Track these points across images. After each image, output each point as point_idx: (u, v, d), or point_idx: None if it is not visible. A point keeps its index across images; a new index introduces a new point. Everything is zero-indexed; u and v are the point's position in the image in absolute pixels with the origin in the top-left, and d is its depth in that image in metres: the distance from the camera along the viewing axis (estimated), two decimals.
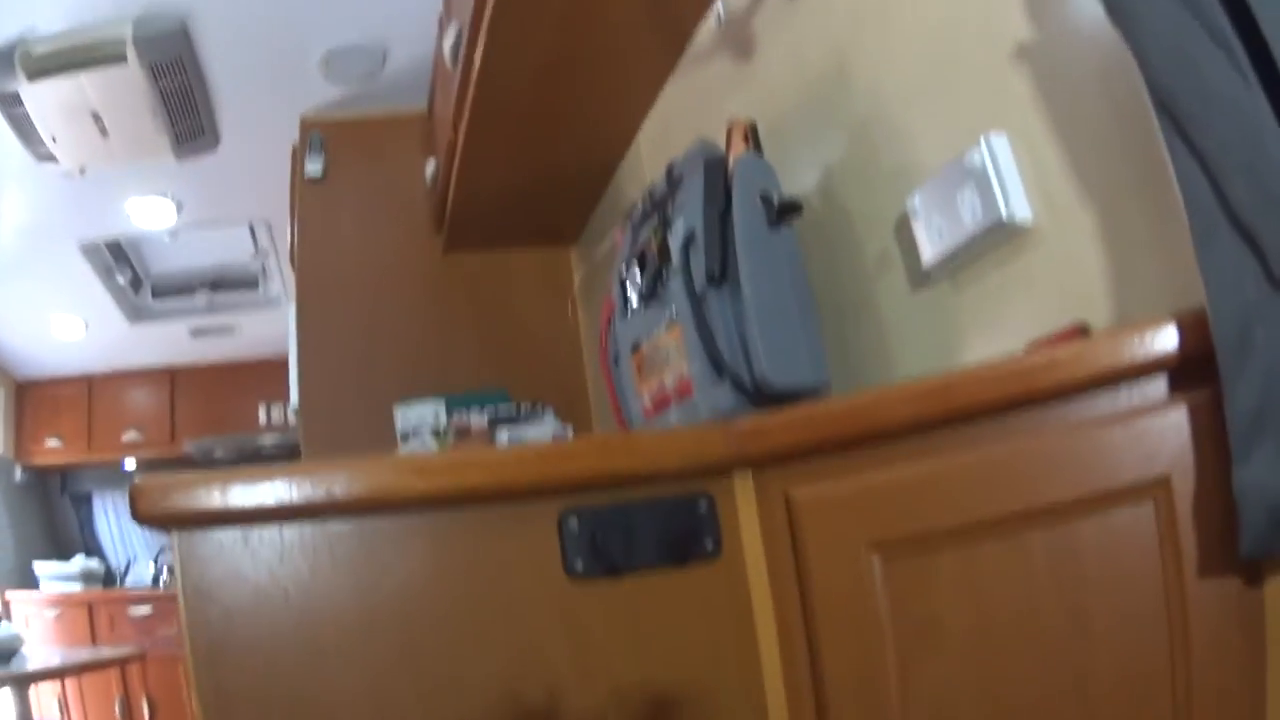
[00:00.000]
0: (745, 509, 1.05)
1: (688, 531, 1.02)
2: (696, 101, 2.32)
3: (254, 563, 0.89)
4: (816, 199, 1.74)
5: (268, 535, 0.90)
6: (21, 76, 3.17)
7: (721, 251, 1.45)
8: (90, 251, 4.89)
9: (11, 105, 3.38)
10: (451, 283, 3.40)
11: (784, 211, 1.47)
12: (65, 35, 3.17)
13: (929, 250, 1.41)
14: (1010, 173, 1.27)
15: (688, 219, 1.53)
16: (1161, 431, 0.88)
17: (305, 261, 3.33)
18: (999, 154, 1.28)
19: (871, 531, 0.96)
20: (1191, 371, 0.87)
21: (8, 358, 6.25)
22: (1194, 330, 0.85)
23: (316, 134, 3.48)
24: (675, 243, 1.53)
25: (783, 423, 1.02)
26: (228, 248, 5.35)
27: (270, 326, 5.88)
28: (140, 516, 0.87)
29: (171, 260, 5.61)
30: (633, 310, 1.67)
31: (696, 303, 1.45)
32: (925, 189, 1.41)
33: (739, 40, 2.05)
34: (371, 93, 3.63)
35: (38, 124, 3.49)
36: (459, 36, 2.39)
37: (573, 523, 0.99)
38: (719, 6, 2.11)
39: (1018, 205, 1.26)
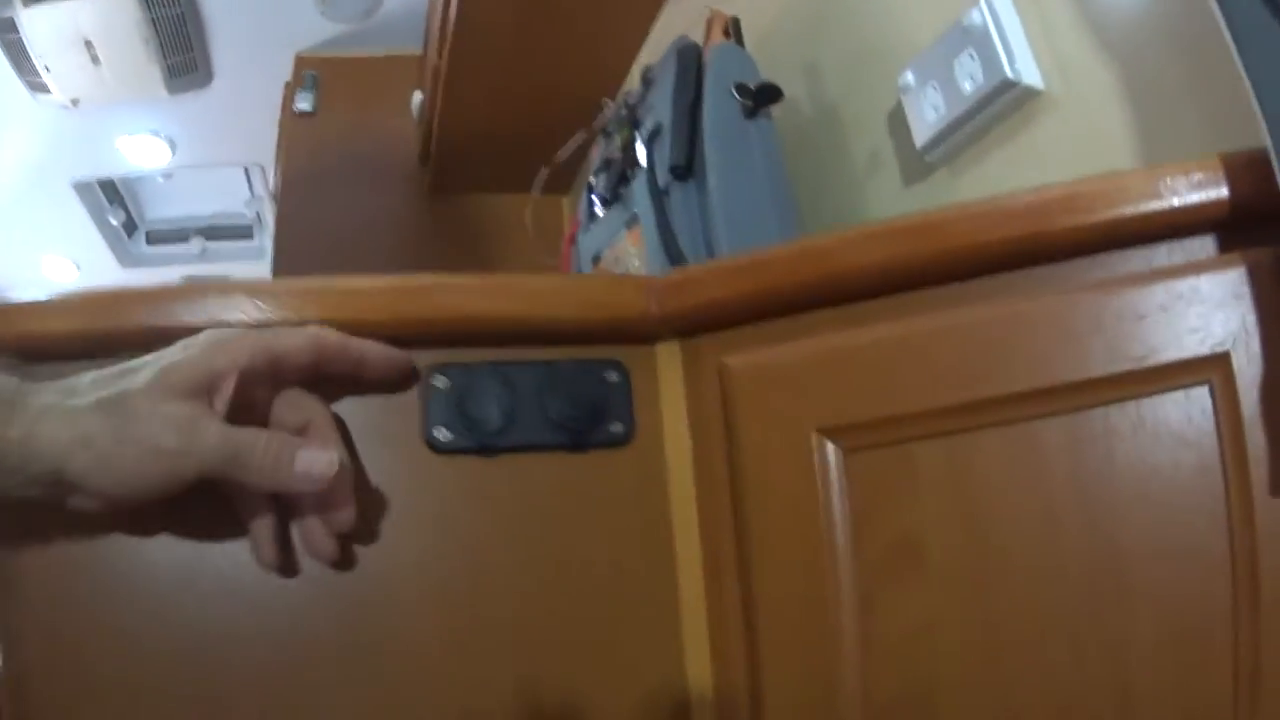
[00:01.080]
0: (668, 384, 0.84)
1: (591, 408, 0.79)
2: (694, 26, 2.16)
3: None
4: (805, 105, 1.58)
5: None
6: (17, 1, 3.08)
7: (689, 143, 1.29)
8: (84, 190, 4.80)
9: (6, 31, 3.30)
10: (437, 227, 3.24)
11: (760, 98, 1.31)
12: None
13: (923, 129, 1.24)
14: (1015, 30, 1.11)
15: (656, 114, 1.37)
16: (1218, 296, 0.66)
17: (287, 197, 3.20)
18: (1001, 11, 1.12)
19: (827, 412, 0.74)
20: (1247, 228, 0.68)
21: None
22: (1247, 174, 0.66)
23: (311, 73, 3.36)
24: (642, 139, 1.38)
25: (717, 272, 0.81)
26: (223, 195, 5.25)
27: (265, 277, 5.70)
28: None
29: (166, 206, 5.51)
30: (595, 220, 1.52)
31: (658, 198, 1.29)
32: (919, 60, 1.25)
33: None
34: (368, 31, 3.50)
35: (31, 51, 3.41)
36: None
37: (439, 382, 0.78)
38: None
39: (1025, 66, 1.10)
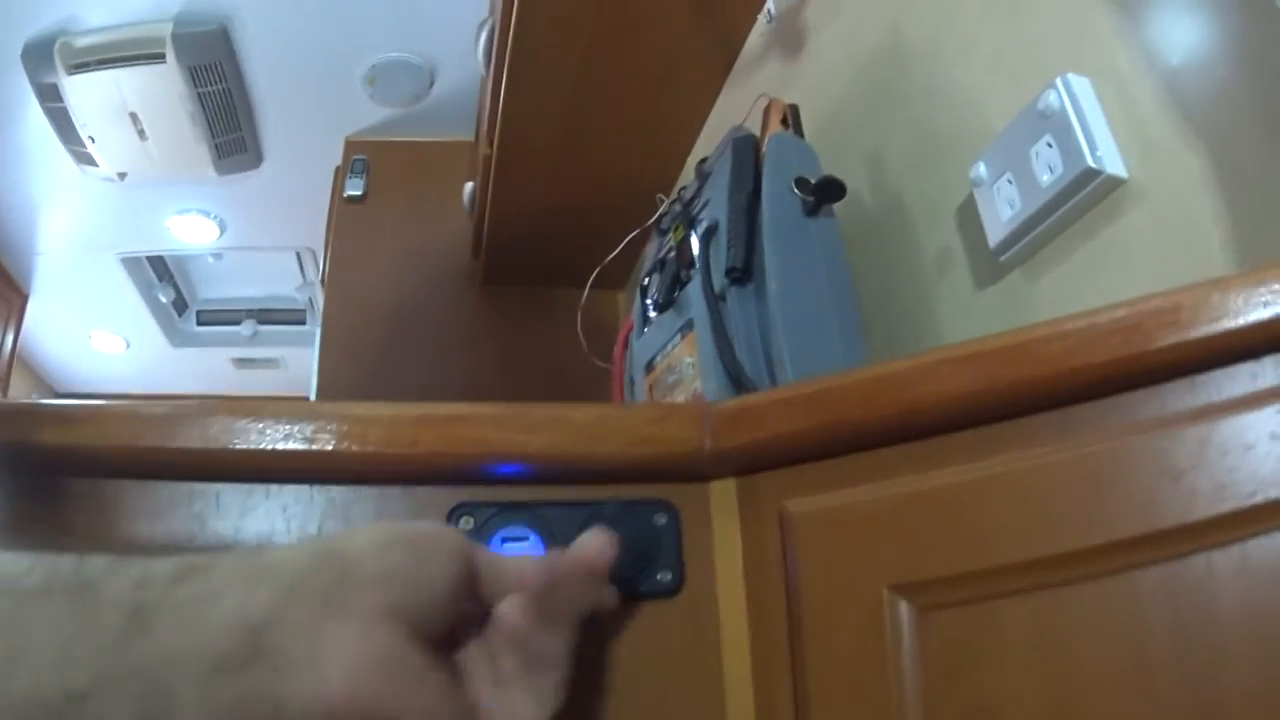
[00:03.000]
0: (722, 528, 0.74)
1: (636, 554, 0.69)
2: (751, 113, 2.10)
3: None
4: (868, 197, 1.49)
5: None
6: (60, 69, 3.09)
7: (747, 243, 1.20)
8: (132, 266, 4.82)
9: (50, 98, 3.32)
10: (487, 319, 3.16)
11: (822, 194, 1.22)
12: (106, 30, 3.10)
13: (997, 227, 1.14)
14: (1096, 116, 1.01)
15: (712, 211, 1.29)
16: None
17: (335, 283, 3.16)
18: (1079, 93, 1.03)
19: (901, 566, 0.64)
20: None
21: (49, 370, 6.13)
22: None
23: (361, 158, 3.33)
24: (697, 238, 1.30)
25: (780, 403, 0.71)
26: (276, 278, 5.26)
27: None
28: None
29: (218, 287, 5.53)
30: (650, 323, 1.43)
31: (714, 304, 1.20)
32: (992, 150, 1.15)
33: (789, 35, 1.83)
34: (418, 116, 3.47)
35: (76, 120, 3.42)
36: (491, 32, 2.19)
37: (464, 523, 0.69)
38: (769, 3, 1.91)
39: (1107, 153, 1.00)
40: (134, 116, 3.39)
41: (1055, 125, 1.04)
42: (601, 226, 2.51)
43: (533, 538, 0.70)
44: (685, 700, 0.72)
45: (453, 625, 0.56)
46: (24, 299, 5.03)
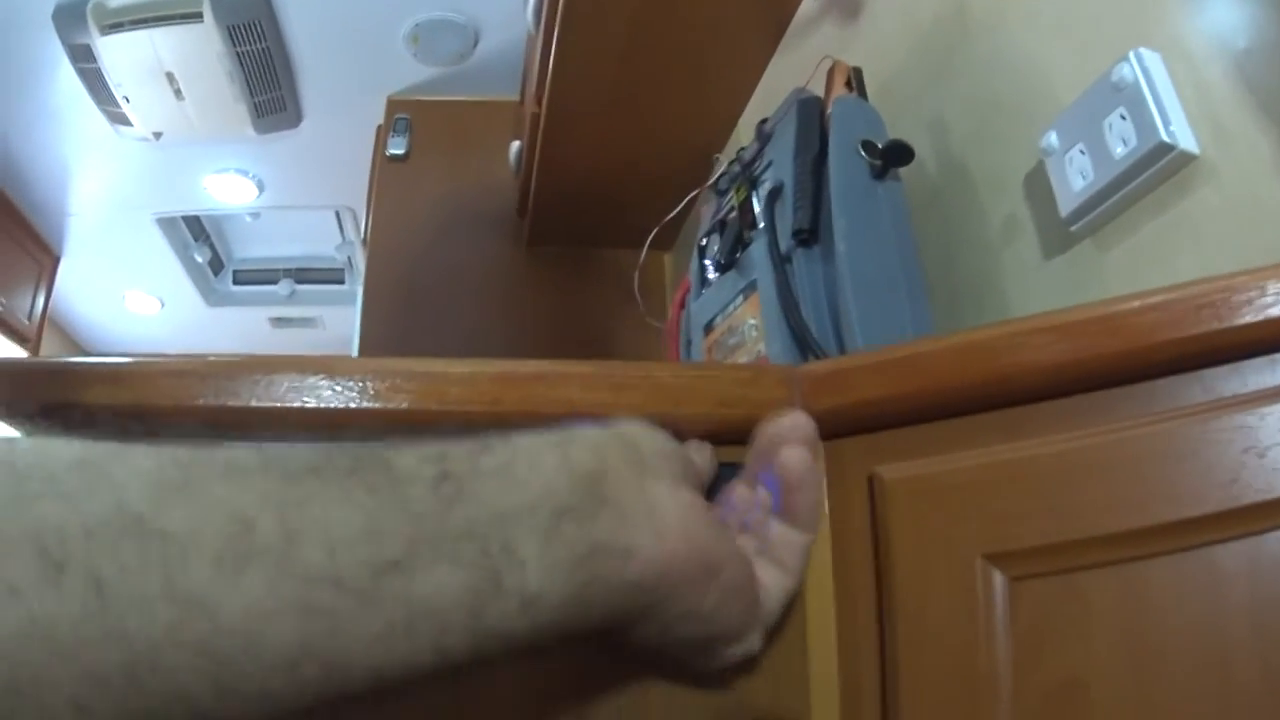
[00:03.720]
0: None
1: None
2: (806, 76, 2.08)
3: None
4: (931, 164, 1.48)
5: None
6: (94, 30, 3.05)
7: (813, 205, 1.19)
8: (168, 226, 4.81)
9: (83, 59, 3.28)
10: (532, 280, 3.15)
11: (890, 158, 1.21)
12: None
13: (1069, 197, 1.13)
14: (1168, 91, 1.01)
15: (776, 172, 1.28)
16: None
17: (377, 244, 3.15)
18: (1151, 67, 1.02)
19: (994, 535, 0.63)
20: None
21: (82, 331, 6.15)
22: None
23: (404, 118, 3.31)
24: (760, 199, 1.29)
25: (866, 365, 0.70)
26: (313, 238, 5.25)
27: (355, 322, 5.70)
28: None
29: (254, 246, 5.52)
30: (708, 284, 1.43)
31: (780, 265, 1.19)
32: (1063, 120, 1.14)
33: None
34: (462, 75, 3.45)
35: (110, 81, 3.38)
36: None
37: None
38: None
39: (1179, 128, 0.99)
40: (170, 76, 3.37)
41: (1129, 98, 1.03)
42: (651, 187, 2.52)
43: None
44: (769, 670, 0.70)
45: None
46: (55, 260, 5.05)
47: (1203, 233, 0.99)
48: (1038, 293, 1.25)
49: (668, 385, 0.72)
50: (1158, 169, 1.02)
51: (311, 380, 0.69)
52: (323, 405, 0.68)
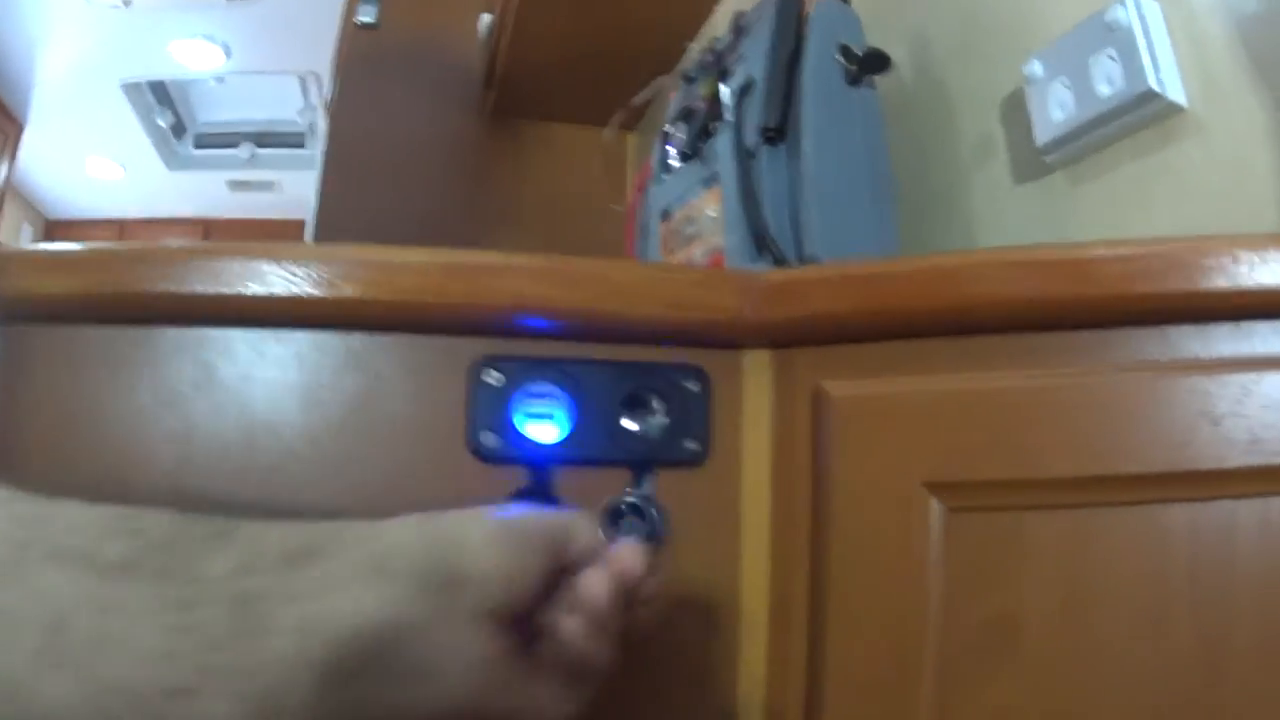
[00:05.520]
0: (752, 400, 0.71)
1: (665, 420, 0.69)
2: None
3: None
4: (909, 76, 1.45)
5: None
6: None
7: (784, 103, 1.16)
8: (132, 92, 4.76)
9: None
10: (495, 151, 3.09)
11: (867, 65, 1.17)
12: None
13: (1047, 127, 1.11)
14: (1161, 38, 0.98)
15: (748, 67, 1.25)
16: None
17: (341, 109, 3.09)
18: (1147, 13, 1.00)
19: (938, 464, 0.63)
20: None
21: (40, 196, 6.11)
22: None
23: None
24: (731, 93, 1.25)
25: (826, 279, 0.68)
26: (276, 102, 5.20)
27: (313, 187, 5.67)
28: None
29: (217, 110, 5.46)
30: (670, 171, 1.40)
31: (744, 160, 1.16)
32: (1050, 50, 1.12)
33: None
34: None
35: None
36: None
37: (490, 377, 0.66)
38: None
39: (1169, 78, 0.97)
40: None
41: (1120, 40, 1.01)
42: (620, 66, 2.49)
43: (560, 394, 0.67)
44: (700, 575, 0.70)
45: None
46: (19, 129, 4.97)
47: (1184, 185, 0.98)
48: (1006, 216, 1.23)
49: (619, 283, 0.70)
50: (1141, 114, 1.01)
51: (256, 265, 0.66)
52: (270, 292, 0.66)
